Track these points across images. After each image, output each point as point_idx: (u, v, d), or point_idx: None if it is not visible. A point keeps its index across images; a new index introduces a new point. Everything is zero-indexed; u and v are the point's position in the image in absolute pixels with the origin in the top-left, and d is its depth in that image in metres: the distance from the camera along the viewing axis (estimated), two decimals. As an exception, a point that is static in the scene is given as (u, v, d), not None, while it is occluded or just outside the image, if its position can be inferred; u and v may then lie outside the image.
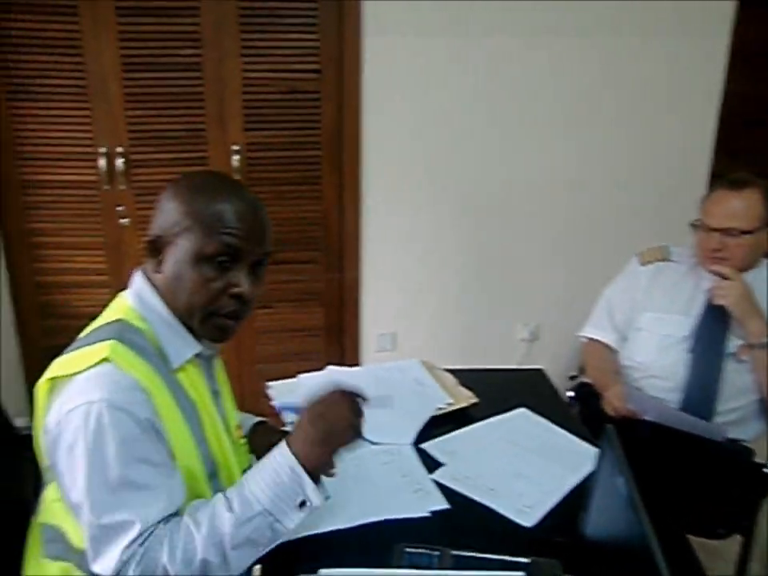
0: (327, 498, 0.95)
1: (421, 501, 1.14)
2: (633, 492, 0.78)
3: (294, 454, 0.91)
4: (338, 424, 0.93)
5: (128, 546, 0.85)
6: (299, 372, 1.54)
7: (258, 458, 1.19)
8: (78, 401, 0.87)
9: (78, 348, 0.95)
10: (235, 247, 0.95)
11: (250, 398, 2.06)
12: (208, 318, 0.98)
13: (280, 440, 1.10)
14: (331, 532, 1.05)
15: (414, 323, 2.61)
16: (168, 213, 0.96)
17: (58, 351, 2.95)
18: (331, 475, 0.97)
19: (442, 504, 1.14)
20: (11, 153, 2.29)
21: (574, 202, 2.56)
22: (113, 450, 0.86)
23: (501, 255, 2.59)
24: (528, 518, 1.11)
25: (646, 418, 1.55)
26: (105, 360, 0.89)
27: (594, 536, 0.95)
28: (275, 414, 1.40)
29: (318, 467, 0.93)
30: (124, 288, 1.05)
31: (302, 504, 0.90)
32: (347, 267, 2.52)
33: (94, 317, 2.75)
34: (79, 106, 2.26)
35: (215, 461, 1.03)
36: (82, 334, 1.01)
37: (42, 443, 0.94)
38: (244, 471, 1.10)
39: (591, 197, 2.56)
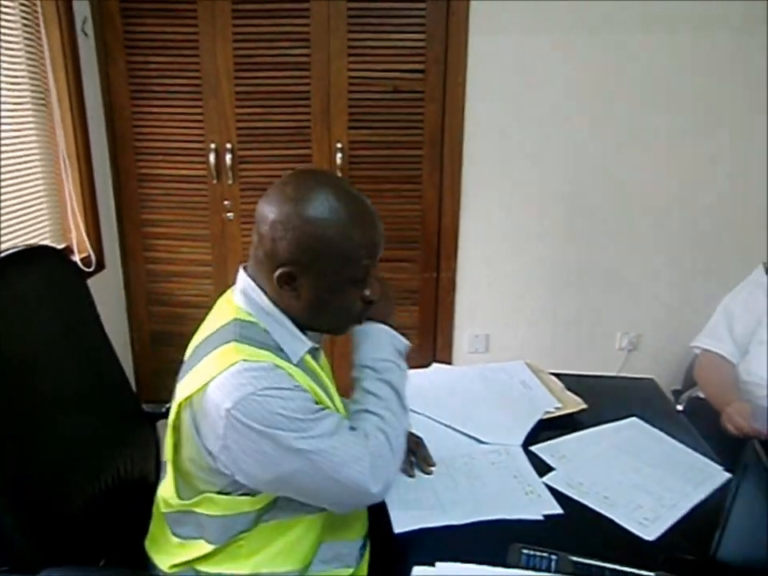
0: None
1: (533, 503, 1.12)
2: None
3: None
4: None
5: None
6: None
7: None
8: (233, 397, 0.87)
9: (201, 359, 0.93)
10: (373, 266, 0.99)
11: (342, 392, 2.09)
12: (343, 326, 1.05)
13: None
14: (445, 527, 1.04)
15: (508, 326, 2.57)
16: (301, 242, 0.91)
17: (161, 336, 3.03)
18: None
19: (555, 508, 1.11)
20: (131, 148, 2.43)
21: (682, 209, 2.43)
22: (290, 408, 0.89)
23: (602, 262, 2.50)
24: (649, 532, 1.06)
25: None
26: (235, 363, 0.89)
27: (731, 558, 0.89)
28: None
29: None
30: (226, 279, 1.06)
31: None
32: (444, 267, 2.51)
33: (196, 306, 2.82)
34: (193, 104, 2.37)
35: None
36: (194, 343, 1.00)
37: (209, 446, 0.92)
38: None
39: (700, 204, 2.43)
